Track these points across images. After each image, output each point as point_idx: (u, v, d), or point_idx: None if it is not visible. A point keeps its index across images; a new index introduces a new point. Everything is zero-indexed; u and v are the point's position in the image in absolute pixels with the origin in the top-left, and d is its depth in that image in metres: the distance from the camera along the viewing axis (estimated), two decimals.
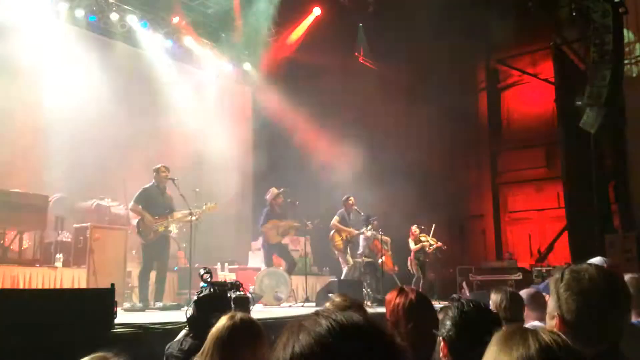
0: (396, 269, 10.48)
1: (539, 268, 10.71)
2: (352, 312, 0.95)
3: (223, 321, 2.24)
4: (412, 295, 2.43)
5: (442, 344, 1.89)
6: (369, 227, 9.99)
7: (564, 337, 1.16)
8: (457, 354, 1.84)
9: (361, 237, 10.12)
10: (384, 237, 10.13)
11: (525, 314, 3.47)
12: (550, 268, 10.01)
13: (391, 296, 2.48)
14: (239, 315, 2.28)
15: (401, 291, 2.48)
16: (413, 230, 10.66)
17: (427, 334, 2.21)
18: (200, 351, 2.23)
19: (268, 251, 9.60)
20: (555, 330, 1.58)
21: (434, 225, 10.78)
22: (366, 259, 10.04)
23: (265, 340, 2.08)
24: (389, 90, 12.83)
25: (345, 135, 11.94)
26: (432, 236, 10.71)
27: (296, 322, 0.95)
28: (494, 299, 3.42)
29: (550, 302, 1.83)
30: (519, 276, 10.83)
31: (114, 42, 11.20)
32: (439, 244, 10.53)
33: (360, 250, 10.13)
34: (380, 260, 9.98)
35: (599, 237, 9.85)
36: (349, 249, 10.04)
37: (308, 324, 0.92)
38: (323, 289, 9.31)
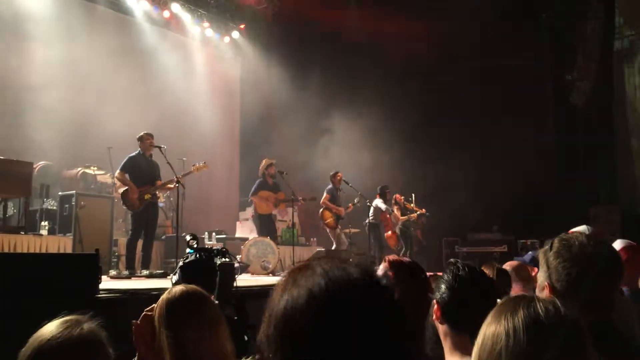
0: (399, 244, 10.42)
1: (524, 240, 10.81)
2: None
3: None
4: (394, 264, 2.42)
5: (435, 306, 1.89)
6: (383, 200, 9.96)
7: (558, 305, 1.13)
8: (450, 317, 1.85)
9: (374, 205, 10.07)
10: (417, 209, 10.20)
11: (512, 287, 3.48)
12: (536, 240, 10.10)
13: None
14: (179, 287, 2.14)
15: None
16: (399, 198, 10.55)
17: (414, 301, 2.20)
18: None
19: (259, 222, 9.66)
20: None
21: (413, 195, 10.72)
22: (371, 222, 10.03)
23: (210, 304, 2.03)
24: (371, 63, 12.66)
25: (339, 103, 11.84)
26: (414, 204, 10.67)
27: (292, 275, 0.92)
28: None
29: (540, 273, 1.80)
30: (504, 248, 10.95)
31: (100, 8, 10.93)
32: (423, 210, 10.48)
33: (371, 217, 10.05)
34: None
35: (584, 210, 9.95)
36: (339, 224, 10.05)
37: (303, 280, 0.89)
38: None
